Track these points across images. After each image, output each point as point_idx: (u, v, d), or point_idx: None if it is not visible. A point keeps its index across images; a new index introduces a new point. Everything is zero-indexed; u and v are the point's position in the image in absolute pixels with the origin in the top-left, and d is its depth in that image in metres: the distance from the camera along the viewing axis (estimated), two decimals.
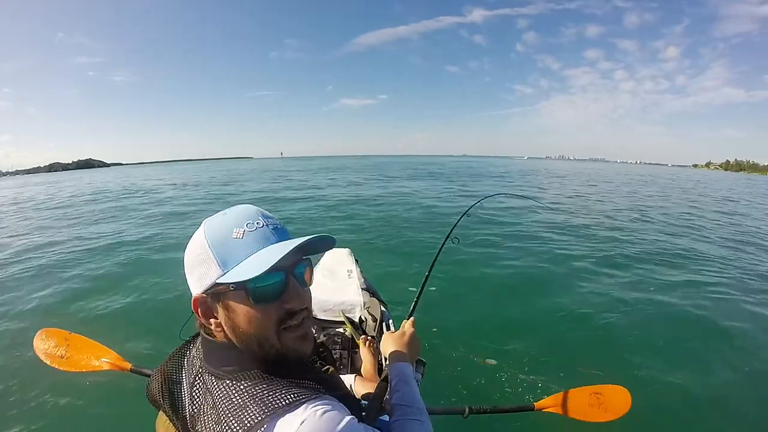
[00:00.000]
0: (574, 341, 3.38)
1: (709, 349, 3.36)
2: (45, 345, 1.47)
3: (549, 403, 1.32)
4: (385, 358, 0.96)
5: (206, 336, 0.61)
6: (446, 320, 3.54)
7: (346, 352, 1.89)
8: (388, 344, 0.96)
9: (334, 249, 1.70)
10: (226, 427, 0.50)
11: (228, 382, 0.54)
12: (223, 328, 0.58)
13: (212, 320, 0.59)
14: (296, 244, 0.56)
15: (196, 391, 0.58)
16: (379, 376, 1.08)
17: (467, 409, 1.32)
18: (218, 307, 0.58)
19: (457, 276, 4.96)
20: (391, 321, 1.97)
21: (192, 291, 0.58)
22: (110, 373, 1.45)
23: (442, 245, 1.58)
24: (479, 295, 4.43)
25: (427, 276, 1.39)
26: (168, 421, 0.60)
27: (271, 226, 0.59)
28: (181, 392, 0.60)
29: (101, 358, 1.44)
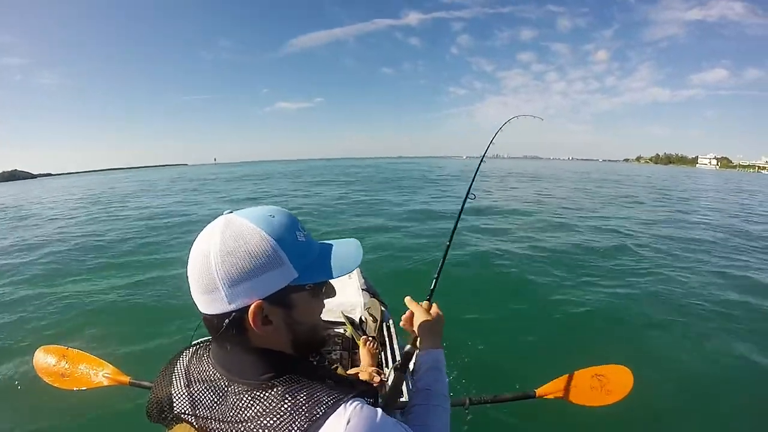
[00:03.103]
0: (572, 324, 3.37)
1: (709, 326, 3.33)
2: (45, 363, 1.47)
3: (550, 390, 1.29)
4: (404, 339, 0.92)
5: (234, 346, 0.57)
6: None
7: (347, 352, 1.88)
8: (425, 329, 0.90)
9: None
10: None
11: (271, 390, 0.53)
12: (276, 332, 0.57)
13: (268, 326, 0.56)
14: (358, 244, 0.68)
15: (223, 404, 0.55)
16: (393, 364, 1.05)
17: (468, 401, 1.30)
18: (277, 309, 0.57)
19: (448, 266, 4.95)
20: (391, 321, 1.96)
21: (246, 299, 0.54)
22: (109, 387, 1.45)
23: (463, 204, 1.41)
24: (472, 282, 4.43)
25: (448, 246, 1.22)
26: None
27: (304, 229, 0.63)
28: (196, 406, 0.57)
29: (100, 373, 1.44)
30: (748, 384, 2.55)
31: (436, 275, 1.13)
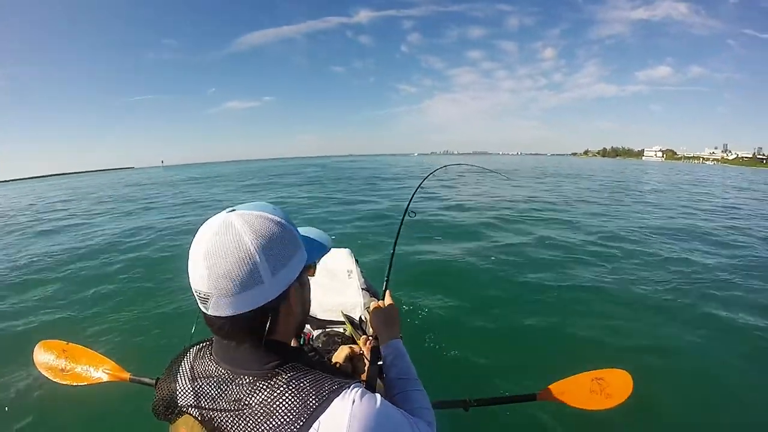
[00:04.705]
0: (572, 326, 3.37)
1: (711, 329, 3.33)
2: (45, 358, 1.47)
3: (551, 392, 1.29)
4: (375, 336, 0.99)
5: (241, 342, 0.58)
6: (439, 312, 3.54)
7: None
8: (378, 323, 1.00)
9: (333, 249, 1.72)
10: (286, 419, 0.51)
11: (276, 378, 0.55)
12: (292, 313, 0.63)
13: (293, 306, 0.63)
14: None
15: (228, 394, 0.56)
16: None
17: (468, 402, 1.30)
18: (298, 290, 0.64)
19: (447, 268, 4.95)
20: None
21: (284, 285, 0.59)
22: (109, 383, 1.45)
23: (402, 220, 1.67)
24: (472, 283, 4.43)
25: (393, 253, 1.49)
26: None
27: None
28: (200, 399, 0.58)
29: (100, 369, 1.44)
30: (749, 386, 2.55)
31: (386, 276, 1.34)
